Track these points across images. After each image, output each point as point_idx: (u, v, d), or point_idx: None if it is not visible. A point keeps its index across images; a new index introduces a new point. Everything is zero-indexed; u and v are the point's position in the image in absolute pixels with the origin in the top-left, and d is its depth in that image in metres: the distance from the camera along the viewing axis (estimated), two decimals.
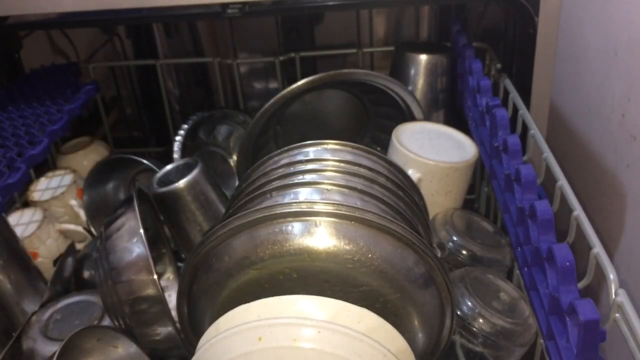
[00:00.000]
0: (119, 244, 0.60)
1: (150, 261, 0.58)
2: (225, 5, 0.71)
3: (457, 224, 0.68)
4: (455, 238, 0.67)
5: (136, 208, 0.61)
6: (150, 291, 0.58)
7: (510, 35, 0.78)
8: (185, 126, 0.93)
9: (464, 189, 0.75)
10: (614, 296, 0.42)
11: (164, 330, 0.60)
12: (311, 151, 0.60)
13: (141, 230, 0.59)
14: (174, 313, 0.58)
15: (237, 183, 0.89)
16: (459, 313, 0.57)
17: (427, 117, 0.85)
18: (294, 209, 0.48)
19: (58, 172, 0.90)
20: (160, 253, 0.77)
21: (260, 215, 0.48)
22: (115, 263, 0.59)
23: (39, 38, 0.99)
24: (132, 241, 0.59)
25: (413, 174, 0.70)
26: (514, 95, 0.72)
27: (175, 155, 0.89)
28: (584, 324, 0.41)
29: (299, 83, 0.77)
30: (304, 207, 0.48)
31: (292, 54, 0.95)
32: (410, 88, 0.85)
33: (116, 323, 0.61)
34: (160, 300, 0.58)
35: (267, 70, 1.04)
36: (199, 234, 0.73)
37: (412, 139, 0.75)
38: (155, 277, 0.58)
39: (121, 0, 0.69)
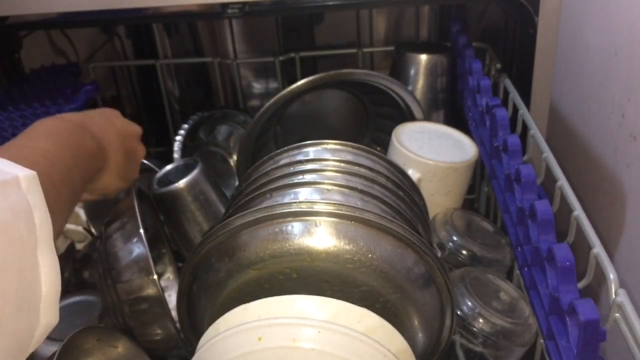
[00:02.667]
0: (119, 244, 0.60)
1: (150, 261, 0.58)
2: (225, 5, 0.71)
3: (457, 224, 0.68)
4: (455, 238, 0.67)
5: (136, 208, 0.61)
6: (150, 291, 0.58)
7: (510, 35, 0.78)
8: (185, 126, 0.93)
9: (464, 189, 0.75)
10: (614, 296, 0.42)
11: (163, 330, 0.60)
12: (311, 151, 0.60)
13: (141, 230, 0.59)
14: (174, 313, 0.58)
15: (237, 183, 0.89)
16: (459, 313, 0.57)
17: (427, 117, 0.85)
18: (294, 209, 0.48)
19: None
20: (160, 253, 0.77)
21: (260, 215, 0.48)
22: (115, 263, 0.59)
23: (39, 38, 0.99)
24: (132, 241, 0.59)
25: (413, 174, 0.70)
26: (514, 95, 0.72)
27: (175, 155, 0.90)
28: (584, 324, 0.41)
29: (299, 83, 0.77)
30: (304, 207, 0.48)
31: (292, 54, 0.95)
32: (410, 88, 0.85)
33: (116, 323, 0.61)
34: (160, 300, 0.58)
35: (267, 70, 1.04)
36: (199, 234, 0.73)
37: (412, 139, 0.75)
38: (155, 277, 0.58)
39: (121, 0, 0.70)
